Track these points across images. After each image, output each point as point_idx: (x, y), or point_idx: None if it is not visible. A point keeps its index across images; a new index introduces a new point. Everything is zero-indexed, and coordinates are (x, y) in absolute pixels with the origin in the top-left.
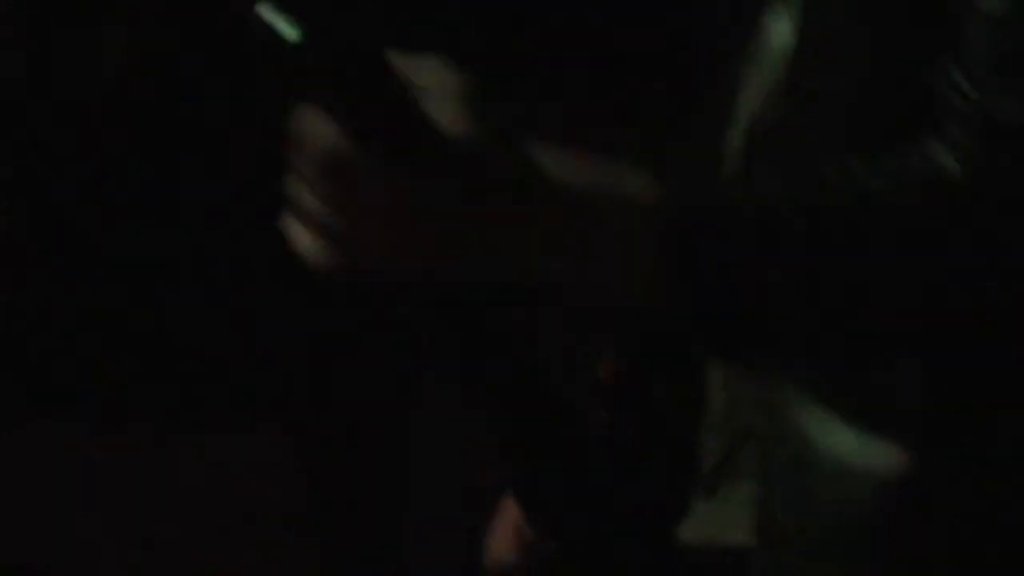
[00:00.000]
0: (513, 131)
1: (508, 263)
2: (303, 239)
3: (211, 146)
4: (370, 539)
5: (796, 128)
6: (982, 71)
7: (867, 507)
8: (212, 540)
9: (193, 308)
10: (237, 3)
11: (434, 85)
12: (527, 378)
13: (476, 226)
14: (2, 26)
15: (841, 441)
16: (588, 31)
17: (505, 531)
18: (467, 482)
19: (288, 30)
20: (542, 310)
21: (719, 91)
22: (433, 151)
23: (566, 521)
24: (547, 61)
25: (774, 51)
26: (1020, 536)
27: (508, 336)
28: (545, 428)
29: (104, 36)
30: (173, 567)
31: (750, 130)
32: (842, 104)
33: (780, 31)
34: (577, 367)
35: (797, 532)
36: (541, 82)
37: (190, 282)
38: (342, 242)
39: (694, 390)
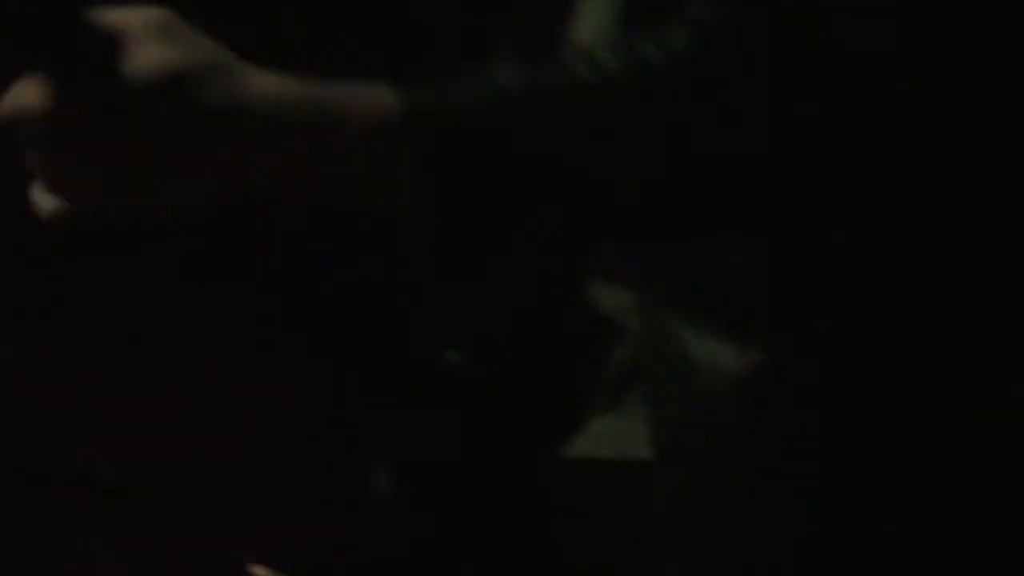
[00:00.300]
0: (226, 58)
1: (231, 179)
2: (38, 195)
3: None
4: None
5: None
6: None
7: (735, 417)
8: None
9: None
10: None
11: (141, 24)
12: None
13: (183, 152)
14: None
15: (714, 354)
16: None
17: None
18: None
19: None
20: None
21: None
22: (133, 88)
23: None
24: None
25: None
26: (876, 444)
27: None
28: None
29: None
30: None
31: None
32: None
33: None
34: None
35: (684, 445)
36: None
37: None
38: (62, 188)
39: (579, 307)
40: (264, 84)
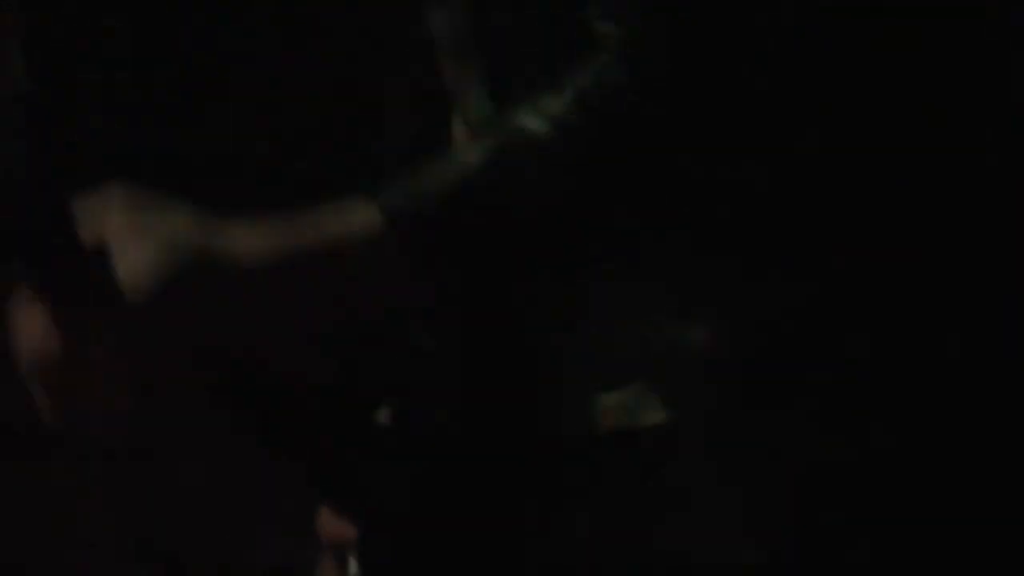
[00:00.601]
0: (203, 228)
1: (243, 348)
2: (46, 409)
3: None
4: None
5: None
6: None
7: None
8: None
9: None
10: None
11: (115, 218)
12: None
13: (190, 342)
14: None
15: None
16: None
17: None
18: None
19: None
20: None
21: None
22: (130, 299)
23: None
24: None
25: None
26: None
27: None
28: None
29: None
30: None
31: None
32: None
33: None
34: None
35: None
36: None
37: None
38: (78, 410)
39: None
40: (249, 250)
